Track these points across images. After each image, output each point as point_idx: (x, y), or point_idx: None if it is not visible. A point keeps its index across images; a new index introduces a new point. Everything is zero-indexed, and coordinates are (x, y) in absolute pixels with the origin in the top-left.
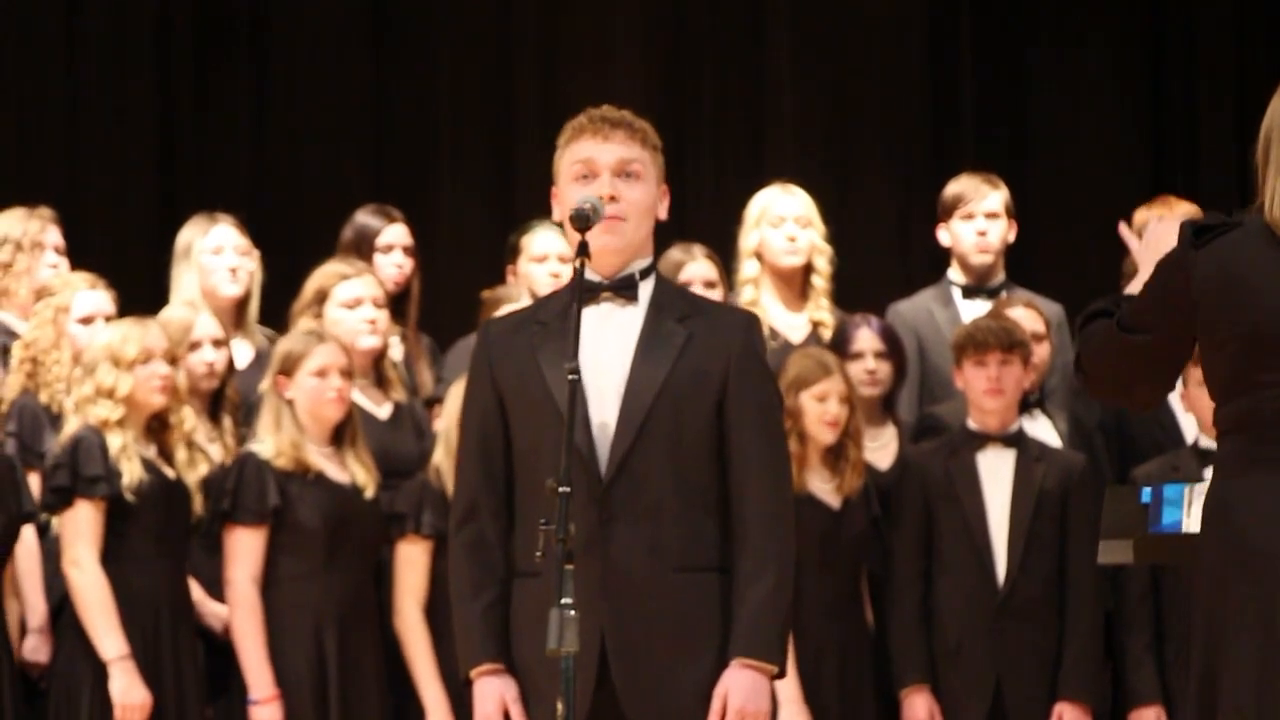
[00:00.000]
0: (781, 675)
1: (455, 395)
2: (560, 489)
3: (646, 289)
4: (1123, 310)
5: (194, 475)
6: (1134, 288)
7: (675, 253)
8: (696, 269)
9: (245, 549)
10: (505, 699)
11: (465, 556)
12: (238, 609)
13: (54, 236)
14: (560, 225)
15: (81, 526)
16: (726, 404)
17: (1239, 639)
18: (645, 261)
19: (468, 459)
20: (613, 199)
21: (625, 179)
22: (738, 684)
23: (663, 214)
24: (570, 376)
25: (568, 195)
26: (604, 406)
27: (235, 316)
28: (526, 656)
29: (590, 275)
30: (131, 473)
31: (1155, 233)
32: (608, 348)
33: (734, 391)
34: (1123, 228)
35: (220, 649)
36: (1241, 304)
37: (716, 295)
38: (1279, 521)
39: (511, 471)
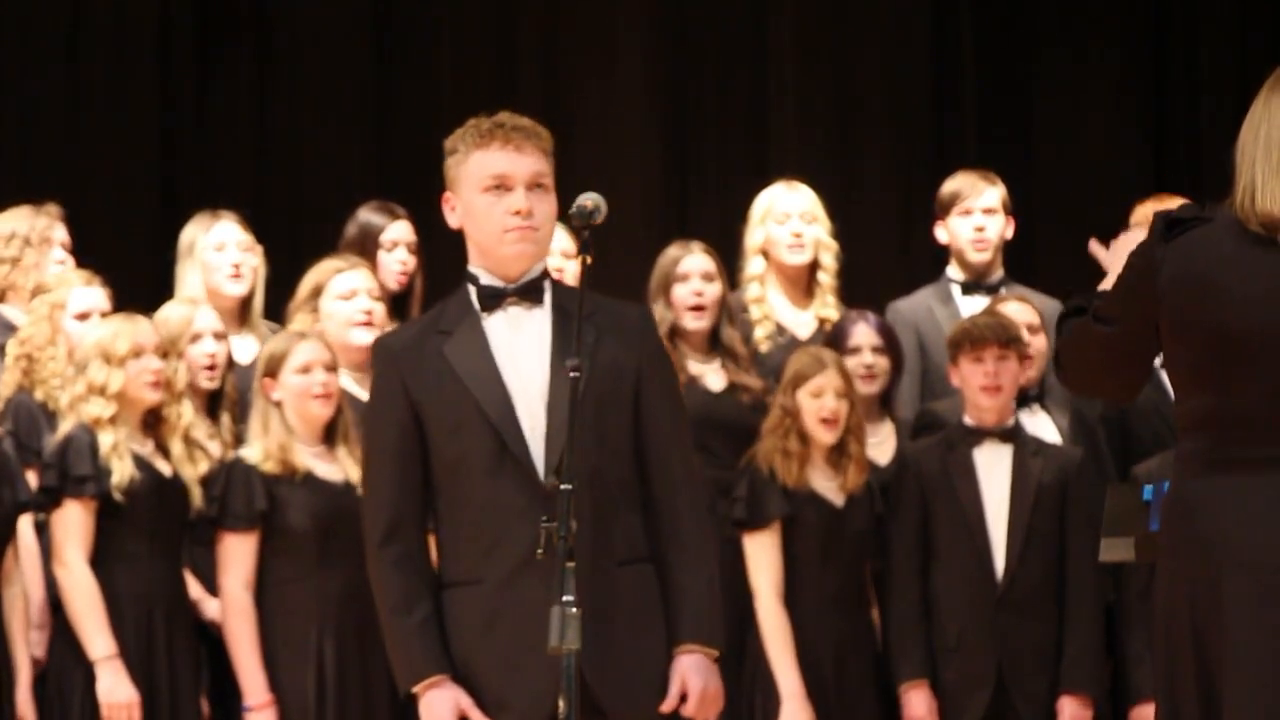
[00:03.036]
0: (723, 658)
1: None
2: (562, 486)
3: (547, 292)
4: (1095, 303)
5: (193, 471)
6: (1105, 286)
7: (673, 248)
8: (694, 262)
9: (235, 555)
10: (461, 705)
11: (394, 571)
12: (230, 615)
13: (61, 233)
14: (458, 231)
15: (70, 526)
16: (642, 398)
17: (1202, 644)
18: (543, 265)
19: (383, 476)
20: (529, 212)
21: (537, 190)
22: (695, 667)
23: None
24: (573, 374)
25: (476, 205)
26: (531, 409)
27: (239, 313)
28: (476, 665)
29: (493, 282)
30: (122, 471)
31: (1123, 242)
32: (523, 351)
33: (647, 387)
34: (1093, 244)
35: (224, 647)
36: (1208, 300)
37: (716, 288)
38: (1241, 525)
39: (429, 485)
